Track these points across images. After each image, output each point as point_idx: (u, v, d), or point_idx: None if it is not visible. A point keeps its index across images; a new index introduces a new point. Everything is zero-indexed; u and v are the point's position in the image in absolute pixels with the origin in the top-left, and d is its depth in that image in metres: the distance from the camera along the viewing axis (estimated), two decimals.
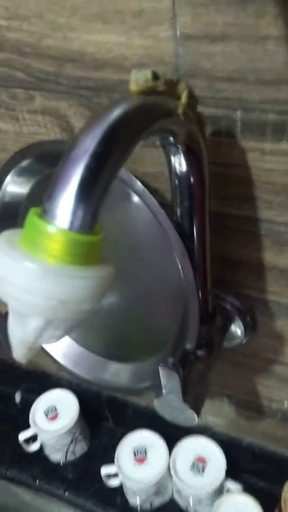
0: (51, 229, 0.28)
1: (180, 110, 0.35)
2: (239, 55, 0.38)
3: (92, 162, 0.29)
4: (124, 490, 0.74)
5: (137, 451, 0.73)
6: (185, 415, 0.48)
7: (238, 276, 0.51)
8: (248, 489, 0.68)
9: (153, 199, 0.44)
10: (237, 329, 0.54)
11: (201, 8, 0.37)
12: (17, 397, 0.89)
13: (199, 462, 0.70)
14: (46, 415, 0.80)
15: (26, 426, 0.80)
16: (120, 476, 0.72)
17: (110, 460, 0.76)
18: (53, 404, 0.80)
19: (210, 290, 0.47)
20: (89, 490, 0.78)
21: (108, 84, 0.45)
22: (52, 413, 0.79)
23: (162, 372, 0.45)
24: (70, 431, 0.78)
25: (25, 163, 0.52)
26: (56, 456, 0.81)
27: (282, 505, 0.61)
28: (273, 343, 0.54)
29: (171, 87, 0.34)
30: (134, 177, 0.44)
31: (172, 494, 0.74)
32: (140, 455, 0.72)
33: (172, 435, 0.72)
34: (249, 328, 0.54)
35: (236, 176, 0.44)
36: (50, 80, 0.47)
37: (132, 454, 0.73)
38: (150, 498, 0.72)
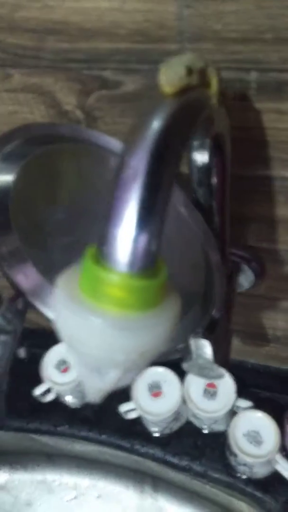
0: (115, 277, 0.24)
1: (214, 101, 0.29)
2: (255, 12, 0.32)
3: (146, 191, 0.24)
4: (144, 422, 0.76)
5: (152, 387, 0.73)
6: (214, 373, 0.47)
7: (249, 231, 0.47)
8: (258, 403, 0.71)
9: None
10: (247, 276, 0.53)
11: None
12: (22, 352, 0.86)
13: (210, 387, 0.71)
14: (58, 368, 0.78)
15: (36, 379, 0.79)
16: (138, 410, 0.73)
17: (126, 398, 0.77)
18: (62, 358, 0.78)
19: (228, 253, 0.44)
20: (110, 427, 0.78)
21: (100, 55, 0.37)
22: (63, 366, 0.78)
23: (194, 343, 0.43)
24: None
25: (10, 147, 0.45)
26: (74, 401, 0.81)
27: None
28: (281, 285, 0.53)
29: (203, 77, 0.28)
30: None
31: (188, 418, 0.76)
32: (156, 390, 0.73)
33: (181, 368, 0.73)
34: (258, 275, 0.52)
35: (252, 138, 0.39)
36: (29, 56, 0.39)
37: (147, 390, 0.73)
38: (169, 425, 0.74)
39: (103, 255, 0.24)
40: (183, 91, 0.26)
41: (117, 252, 0.24)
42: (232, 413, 0.70)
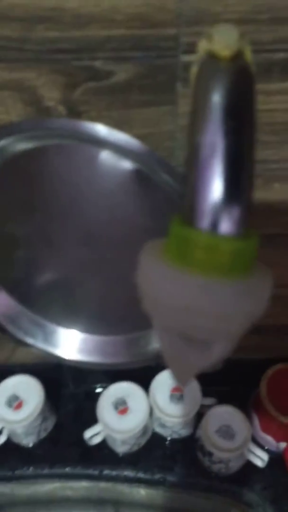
0: (220, 242, 0.22)
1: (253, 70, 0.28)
2: None
3: (229, 166, 0.23)
4: (110, 443, 0.70)
5: (117, 404, 0.68)
6: None
7: None
8: (220, 398, 0.70)
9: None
10: None
11: None
12: None
13: (175, 392, 0.69)
14: (9, 405, 0.69)
15: None
16: (105, 431, 0.68)
17: (85, 422, 0.71)
18: (13, 393, 0.70)
19: None
20: (73, 458, 0.71)
21: (92, 43, 0.34)
22: (15, 402, 0.69)
23: None
24: (39, 413, 0.69)
25: None
26: (28, 440, 0.72)
27: (264, 402, 0.64)
28: None
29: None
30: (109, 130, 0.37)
31: (153, 429, 0.72)
32: (122, 406, 0.68)
33: (142, 379, 0.69)
34: None
35: None
36: (12, 48, 0.34)
37: (113, 409, 0.68)
38: (138, 441, 0.70)
39: (195, 223, 0.22)
40: (237, 55, 0.25)
41: (216, 217, 0.22)
42: (199, 413, 0.68)
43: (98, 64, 0.36)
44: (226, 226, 0.22)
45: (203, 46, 0.26)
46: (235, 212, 0.23)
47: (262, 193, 0.45)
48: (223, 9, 0.33)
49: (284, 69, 0.35)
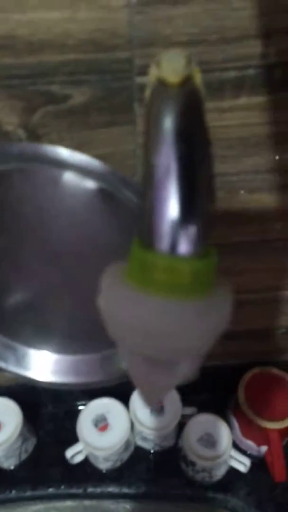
0: (177, 262, 0.23)
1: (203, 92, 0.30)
2: (203, 15, 0.33)
3: (184, 185, 0.24)
4: (93, 461, 0.70)
5: (97, 421, 0.68)
6: None
7: None
8: (200, 406, 0.71)
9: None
10: None
11: None
12: None
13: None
14: None
15: None
16: (86, 450, 0.68)
17: (66, 440, 0.71)
18: None
19: None
20: (55, 477, 0.71)
21: (47, 68, 0.35)
22: None
23: None
24: (19, 435, 0.68)
25: None
26: (8, 462, 0.71)
27: (242, 407, 0.65)
28: None
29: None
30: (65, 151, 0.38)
31: (136, 443, 0.73)
32: (102, 423, 0.68)
33: (122, 393, 0.70)
34: None
35: None
36: None
37: (93, 426, 0.68)
38: (120, 457, 0.70)
39: (154, 246, 0.23)
40: (185, 80, 0.26)
41: (174, 239, 0.23)
42: (178, 424, 0.69)
43: (54, 88, 0.36)
44: (184, 246, 0.23)
45: (153, 72, 0.27)
46: (192, 232, 0.24)
47: (224, 204, 0.46)
48: (173, 31, 0.34)
49: (236, 86, 0.37)
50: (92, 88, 0.37)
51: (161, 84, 0.26)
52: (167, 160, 0.25)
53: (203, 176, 0.26)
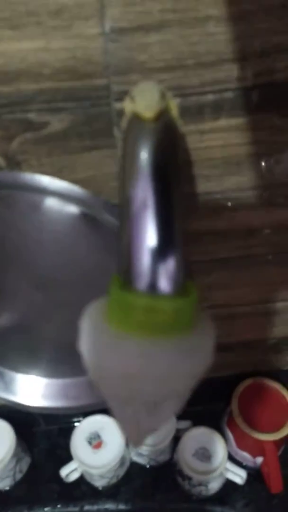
0: (154, 301, 0.23)
1: (180, 124, 0.30)
2: (178, 41, 0.34)
3: (160, 216, 0.24)
4: (88, 478, 0.70)
5: (91, 439, 0.68)
6: None
7: None
8: (195, 419, 0.71)
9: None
10: None
11: None
12: None
13: None
14: None
15: None
16: (81, 468, 0.68)
17: (60, 459, 0.71)
18: None
19: None
20: (52, 496, 0.71)
21: (23, 97, 0.35)
22: None
23: None
24: (13, 456, 0.68)
25: None
26: (3, 483, 0.71)
27: (237, 420, 0.66)
28: (203, 294, 0.55)
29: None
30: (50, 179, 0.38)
31: (131, 459, 0.73)
32: (95, 441, 0.68)
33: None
34: None
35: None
36: None
37: (87, 444, 0.68)
38: (116, 473, 0.70)
39: (133, 285, 0.23)
40: (160, 115, 0.27)
41: (153, 277, 0.23)
42: (173, 438, 0.69)
43: (32, 116, 0.37)
44: (163, 284, 0.24)
45: (127, 106, 0.28)
46: (171, 268, 0.24)
47: (209, 222, 0.46)
48: (148, 58, 0.34)
49: (215, 109, 0.37)
50: (71, 114, 0.37)
51: (136, 118, 0.27)
52: (143, 193, 0.25)
53: (180, 209, 0.26)
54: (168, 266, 0.24)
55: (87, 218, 0.41)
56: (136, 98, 0.26)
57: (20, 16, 0.32)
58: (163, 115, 0.27)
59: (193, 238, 0.48)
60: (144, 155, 0.25)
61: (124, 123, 0.29)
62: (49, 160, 0.39)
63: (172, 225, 0.25)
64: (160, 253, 0.24)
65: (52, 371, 0.47)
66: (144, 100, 0.26)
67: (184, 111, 0.37)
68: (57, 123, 0.37)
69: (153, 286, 0.23)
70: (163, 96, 0.27)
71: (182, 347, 0.23)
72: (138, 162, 0.25)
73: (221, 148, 0.40)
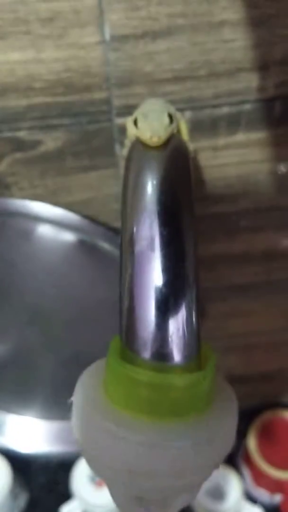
0: (172, 380, 0.20)
1: (191, 149, 0.27)
2: (189, 49, 0.31)
3: (169, 261, 0.21)
4: None
5: (94, 475, 0.66)
6: None
7: None
8: None
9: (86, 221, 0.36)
10: None
11: (138, 1, 0.29)
12: None
13: None
14: None
15: None
16: (82, 506, 0.65)
17: (60, 495, 0.68)
18: None
19: None
20: None
21: (11, 113, 0.33)
22: None
23: None
24: (9, 492, 0.66)
25: None
26: None
27: (253, 456, 0.63)
28: (218, 324, 0.52)
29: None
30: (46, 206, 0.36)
31: None
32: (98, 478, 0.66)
33: None
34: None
35: None
36: None
37: (89, 481, 0.66)
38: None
39: (136, 351, 0.21)
40: (167, 141, 0.24)
41: (161, 342, 0.20)
42: None
43: (22, 134, 0.34)
44: (173, 352, 0.21)
45: (130, 130, 0.25)
46: (183, 332, 0.21)
47: (224, 245, 0.44)
48: (154, 68, 0.31)
49: (230, 123, 0.35)
50: (66, 132, 0.34)
51: (140, 144, 0.24)
52: (149, 231, 0.22)
53: (193, 251, 0.23)
54: (180, 327, 0.21)
55: (85, 246, 0.38)
56: (140, 122, 0.24)
57: (7, 25, 0.29)
58: (171, 140, 0.24)
59: (206, 263, 0.45)
60: (150, 188, 0.22)
61: (126, 148, 0.26)
62: (42, 182, 0.37)
63: (184, 272, 0.22)
64: (169, 310, 0.21)
65: (47, 413, 0.45)
66: (149, 125, 0.23)
67: (196, 125, 0.35)
68: (50, 141, 0.34)
69: (160, 354, 0.20)
70: (171, 118, 0.24)
71: (199, 433, 0.20)
72: (143, 195, 0.22)
73: (237, 165, 0.37)
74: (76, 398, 0.22)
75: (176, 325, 0.21)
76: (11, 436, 0.44)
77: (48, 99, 0.32)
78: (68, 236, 0.38)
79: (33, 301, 0.40)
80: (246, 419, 0.65)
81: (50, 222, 0.36)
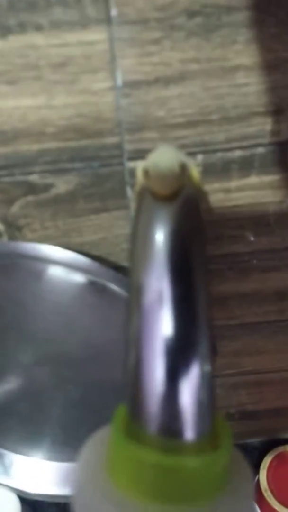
0: (183, 461, 0.18)
1: (203, 194, 0.26)
2: (202, 94, 0.30)
3: (182, 315, 0.20)
4: None
5: None
6: None
7: None
8: None
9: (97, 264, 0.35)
10: None
11: (150, 47, 0.28)
12: None
13: None
14: None
15: None
16: None
17: None
18: None
19: None
20: None
21: (24, 158, 0.32)
22: None
23: None
24: None
25: None
26: None
27: (265, 494, 0.60)
28: (230, 361, 0.51)
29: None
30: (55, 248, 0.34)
31: None
32: None
33: None
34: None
35: None
36: None
37: None
38: None
39: (142, 423, 0.19)
40: (179, 191, 0.23)
41: (169, 416, 0.19)
42: None
43: (33, 178, 0.33)
44: (184, 427, 0.19)
45: (140, 179, 0.24)
46: (195, 403, 0.19)
47: (236, 284, 0.42)
48: (166, 113, 0.30)
49: (243, 166, 0.33)
50: (78, 175, 0.33)
51: (150, 194, 0.22)
52: (158, 284, 0.20)
53: (207, 306, 0.21)
54: (192, 398, 0.19)
55: (95, 287, 0.37)
56: (150, 172, 0.22)
57: (18, 70, 0.28)
58: (182, 191, 0.23)
59: (217, 301, 0.43)
60: (159, 241, 0.21)
61: (135, 197, 0.25)
62: (54, 223, 0.36)
63: (197, 336, 0.20)
64: (180, 378, 0.19)
65: (56, 454, 0.43)
66: (159, 176, 0.22)
67: (208, 168, 0.33)
68: (62, 185, 0.33)
69: (169, 429, 0.19)
70: (183, 168, 0.23)
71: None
72: (152, 247, 0.21)
73: (249, 207, 0.36)
74: (76, 475, 0.20)
75: (188, 396, 0.19)
76: (18, 477, 0.43)
77: (60, 144, 0.31)
78: (78, 278, 0.36)
79: (42, 342, 0.39)
80: (256, 454, 0.63)
81: (60, 264, 0.35)
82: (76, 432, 0.42)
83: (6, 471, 0.43)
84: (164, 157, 0.23)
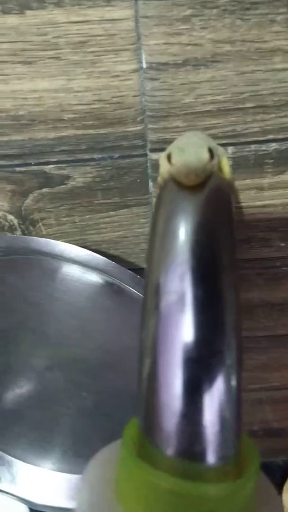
0: (202, 489, 0.15)
1: (233, 189, 0.23)
2: (235, 79, 0.27)
3: (205, 322, 0.17)
4: None
5: None
6: None
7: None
8: None
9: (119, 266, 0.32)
10: None
11: (179, 25, 0.25)
12: None
13: None
14: None
15: None
16: None
17: None
18: None
19: None
20: None
21: (38, 146, 0.29)
22: None
23: None
24: None
25: None
26: None
27: None
28: (256, 375, 0.47)
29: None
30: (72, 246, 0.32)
31: None
32: None
33: None
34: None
35: None
36: None
37: None
38: None
39: (157, 443, 0.16)
40: (206, 180, 0.20)
41: (188, 437, 0.16)
42: None
43: (49, 169, 0.30)
44: (205, 450, 0.16)
45: (163, 166, 0.21)
46: (219, 422, 0.16)
47: (266, 293, 0.38)
48: (195, 99, 0.27)
49: (278, 161, 0.30)
50: (96, 167, 0.30)
51: (174, 183, 0.19)
52: (179, 285, 0.17)
53: (234, 316, 0.18)
54: (215, 418, 0.16)
55: (112, 289, 0.34)
56: (174, 158, 0.19)
57: (35, 49, 0.26)
58: (210, 180, 0.20)
59: (244, 310, 0.40)
60: (182, 235, 0.18)
61: (158, 187, 0.22)
62: (70, 218, 0.33)
63: (223, 345, 0.17)
64: (202, 394, 0.16)
65: (66, 465, 0.40)
66: (185, 161, 0.19)
67: (239, 162, 0.30)
68: (80, 176, 0.31)
69: (189, 452, 0.16)
70: (212, 154, 0.20)
71: None
72: (173, 242, 0.18)
73: (283, 206, 0.33)
74: (81, 496, 0.17)
75: (211, 413, 0.16)
76: (26, 487, 0.40)
77: (78, 132, 0.29)
78: (94, 278, 0.33)
79: (55, 345, 0.36)
80: (281, 473, 0.59)
81: (76, 263, 0.32)
82: (88, 443, 0.39)
83: (13, 480, 0.40)
84: (191, 141, 0.20)
